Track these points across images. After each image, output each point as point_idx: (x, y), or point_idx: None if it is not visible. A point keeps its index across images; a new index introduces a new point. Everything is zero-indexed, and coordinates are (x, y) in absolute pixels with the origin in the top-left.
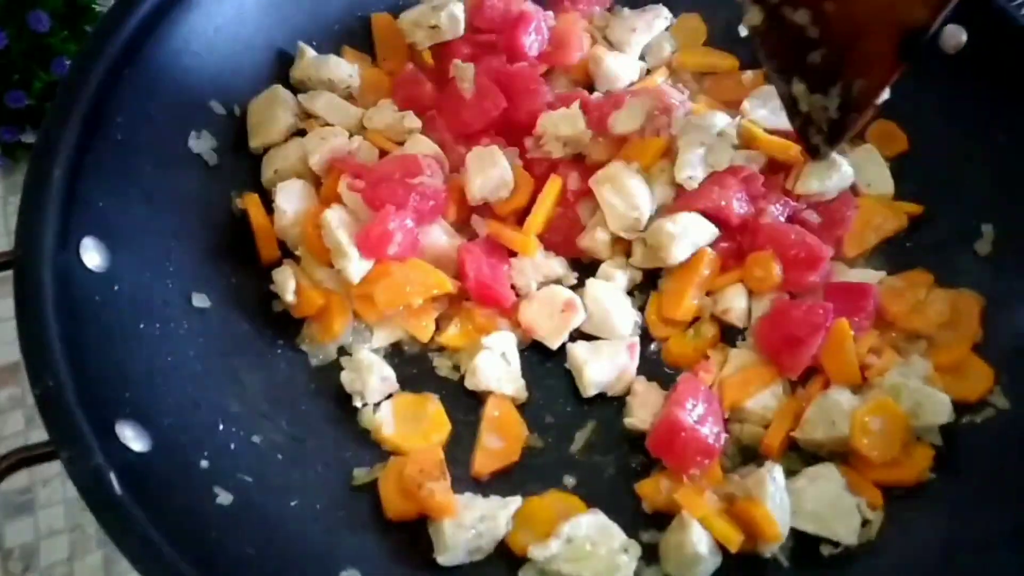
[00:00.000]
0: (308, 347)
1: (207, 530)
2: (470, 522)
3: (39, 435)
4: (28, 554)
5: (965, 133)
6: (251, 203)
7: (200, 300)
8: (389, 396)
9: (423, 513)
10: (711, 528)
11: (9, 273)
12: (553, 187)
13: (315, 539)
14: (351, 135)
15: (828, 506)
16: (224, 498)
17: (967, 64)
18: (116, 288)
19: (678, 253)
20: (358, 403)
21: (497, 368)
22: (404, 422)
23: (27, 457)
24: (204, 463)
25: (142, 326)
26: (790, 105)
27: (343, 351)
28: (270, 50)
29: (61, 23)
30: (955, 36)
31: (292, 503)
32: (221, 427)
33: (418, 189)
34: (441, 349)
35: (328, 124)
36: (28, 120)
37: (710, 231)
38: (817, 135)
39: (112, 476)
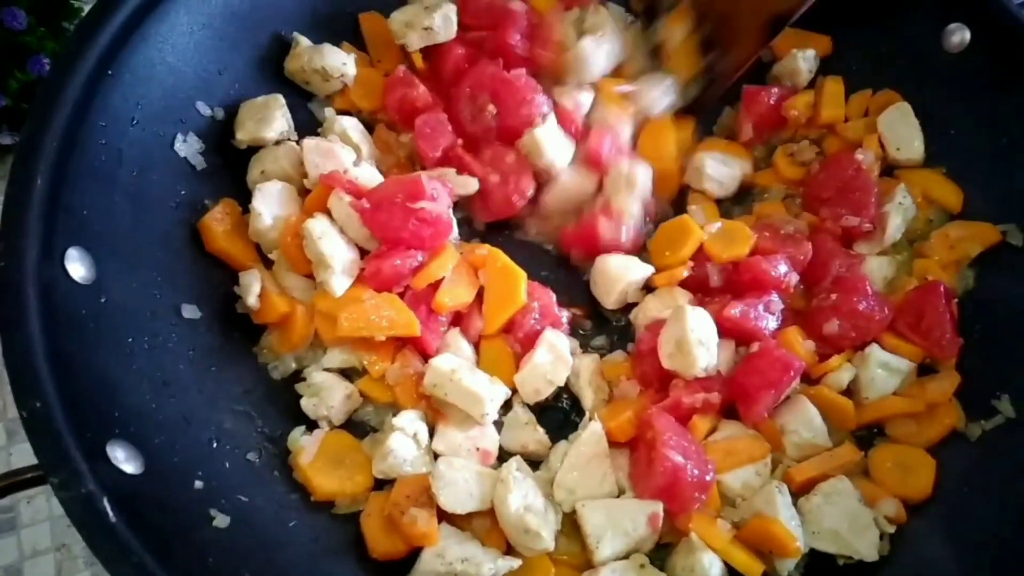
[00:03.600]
0: (266, 357)
1: (204, 555)
2: (451, 558)
3: (21, 449)
4: (12, 575)
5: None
6: (205, 228)
7: (190, 311)
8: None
9: (409, 549)
10: (731, 559)
11: None
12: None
13: (316, 562)
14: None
15: (846, 523)
16: (220, 520)
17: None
18: (103, 300)
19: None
20: (325, 427)
21: (407, 449)
22: (326, 460)
23: (14, 483)
24: (198, 483)
25: (131, 340)
26: None
27: (298, 373)
28: (258, 49)
29: (38, 20)
30: (958, 36)
31: (291, 523)
32: (215, 445)
33: (418, 214)
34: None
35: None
36: (5, 121)
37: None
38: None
39: (105, 502)
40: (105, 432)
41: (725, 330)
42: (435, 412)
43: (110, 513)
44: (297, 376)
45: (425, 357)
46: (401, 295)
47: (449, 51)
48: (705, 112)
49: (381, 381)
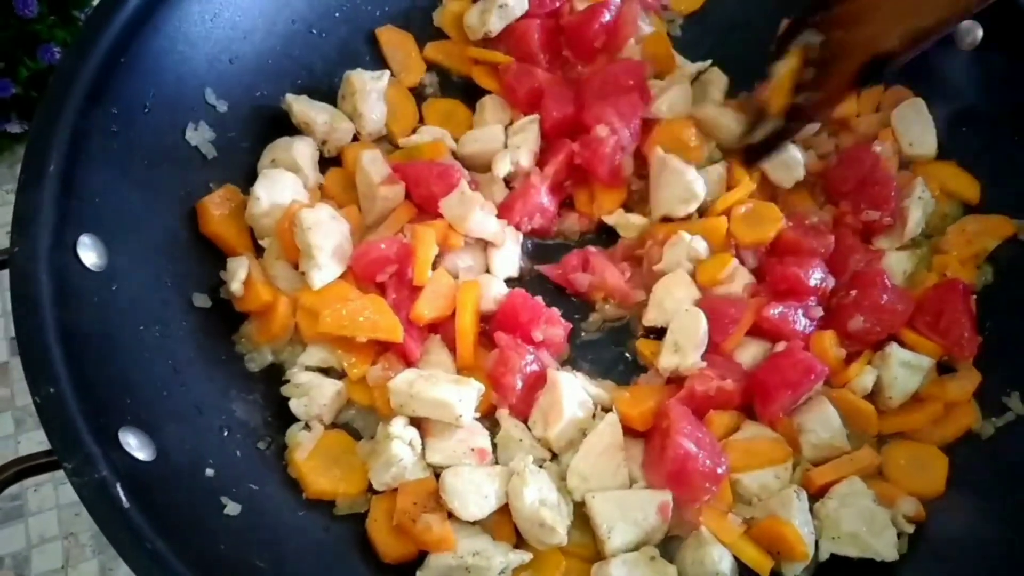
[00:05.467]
0: (243, 347)
1: (216, 542)
2: (462, 551)
3: (30, 438)
4: (19, 563)
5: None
6: (203, 208)
7: (201, 300)
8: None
9: (421, 550)
10: (741, 554)
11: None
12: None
13: (326, 551)
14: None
15: (864, 525)
16: (232, 508)
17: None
18: (115, 288)
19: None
20: (319, 428)
21: (407, 456)
22: (322, 458)
23: (26, 468)
24: (210, 471)
25: (142, 328)
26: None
27: (276, 368)
28: (269, 37)
29: (49, 8)
30: (971, 33)
31: (301, 513)
32: (226, 433)
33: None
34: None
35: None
36: (14, 109)
37: None
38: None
39: (118, 487)
40: (118, 419)
41: (762, 330)
42: (418, 423)
43: (123, 499)
44: (272, 370)
45: (407, 363)
46: (382, 290)
47: (527, 29)
48: (767, 156)
49: (363, 383)
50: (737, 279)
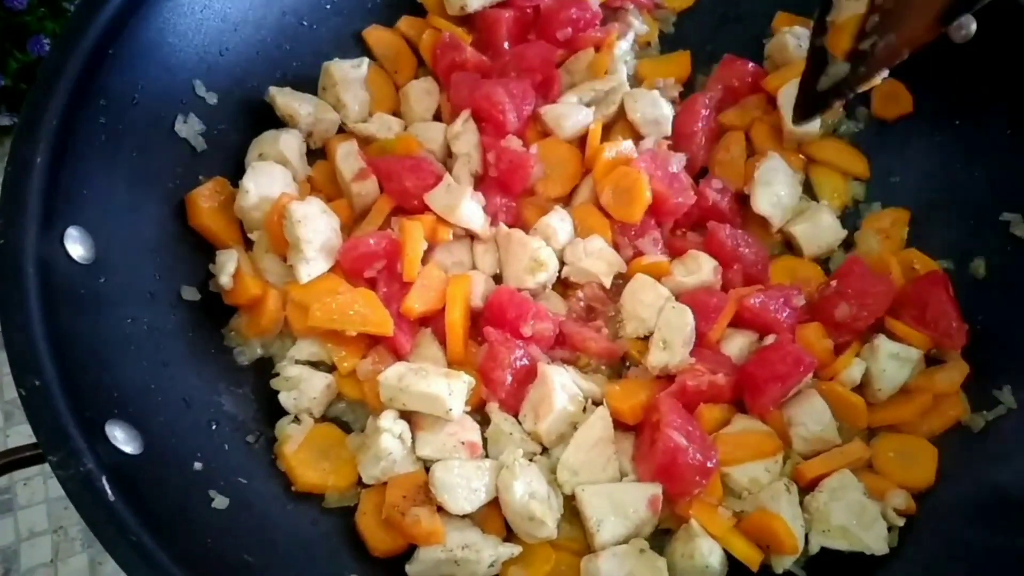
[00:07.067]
0: (233, 340)
1: (203, 536)
2: (451, 545)
3: (18, 431)
4: (8, 557)
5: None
6: (191, 202)
7: (190, 293)
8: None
9: (410, 544)
10: (730, 547)
11: None
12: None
13: (316, 545)
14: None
15: (854, 518)
16: (219, 502)
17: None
18: (102, 280)
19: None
20: (308, 421)
21: (397, 450)
22: (311, 452)
23: (12, 460)
24: (197, 465)
25: (130, 320)
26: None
27: (266, 362)
28: (260, 29)
29: (39, 0)
30: (964, 26)
31: (289, 506)
32: (214, 427)
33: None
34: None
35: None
36: (4, 101)
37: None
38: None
39: (104, 481)
40: (104, 412)
41: (744, 319)
42: (409, 417)
43: (109, 492)
44: (261, 364)
45: (398, 357)
46: (373, 284)
47: (498, 16)
48: (827, 107)
49: (353, 377)
50: (703, 265)
